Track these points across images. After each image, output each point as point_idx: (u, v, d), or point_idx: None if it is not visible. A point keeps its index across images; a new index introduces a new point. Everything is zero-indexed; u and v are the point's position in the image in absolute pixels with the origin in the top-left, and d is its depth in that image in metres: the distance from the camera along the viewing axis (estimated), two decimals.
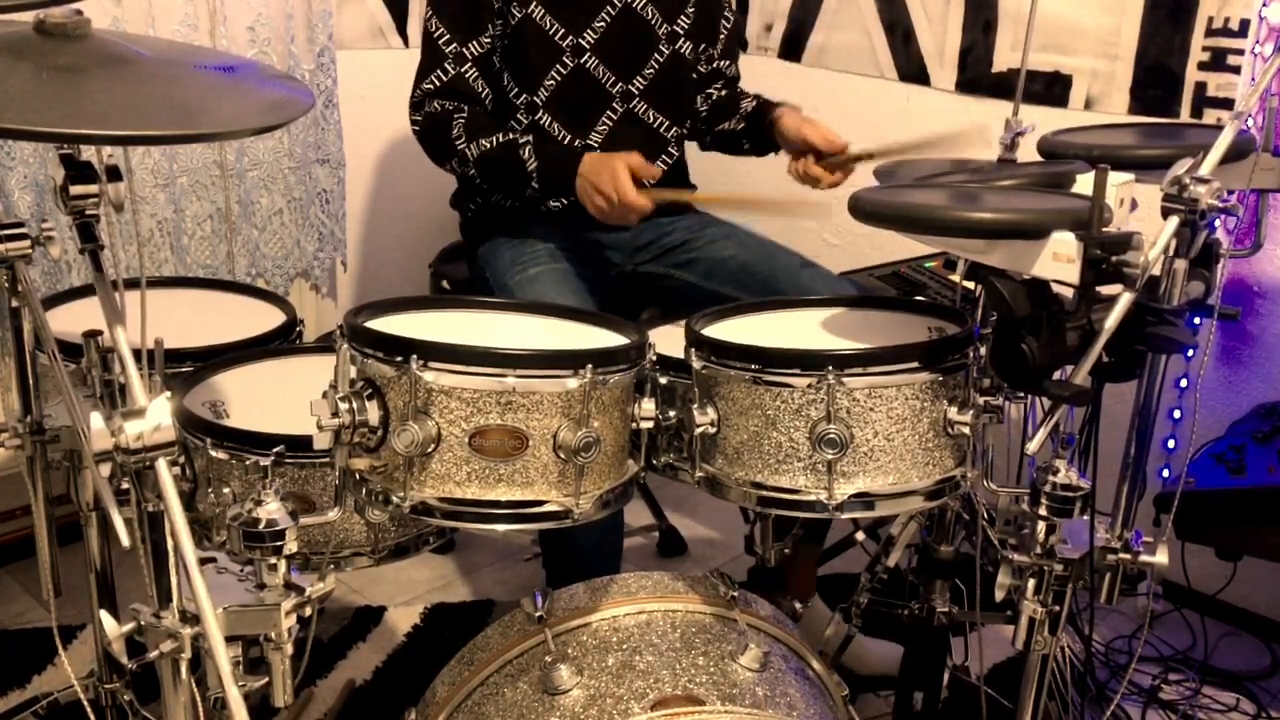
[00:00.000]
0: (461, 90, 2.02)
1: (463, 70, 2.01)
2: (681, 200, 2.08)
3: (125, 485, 1.03)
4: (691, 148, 2.31)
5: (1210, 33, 2.26)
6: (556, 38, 2.04)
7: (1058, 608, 1.36)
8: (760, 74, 2.40)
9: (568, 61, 2.06)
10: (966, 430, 1.34)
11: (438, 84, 2.01)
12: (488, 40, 2.02)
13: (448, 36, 2.01)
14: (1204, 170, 1.21)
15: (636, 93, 2.12)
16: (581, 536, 1.69)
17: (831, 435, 1.28)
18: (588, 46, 2.06)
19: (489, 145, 1.96)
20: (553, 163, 1.94)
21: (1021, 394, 1.37)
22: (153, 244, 2.44)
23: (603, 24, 2.07)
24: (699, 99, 2.25)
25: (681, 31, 2.15)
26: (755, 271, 2.07)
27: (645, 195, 1.84)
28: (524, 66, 2.04)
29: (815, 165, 2.01)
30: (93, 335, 1.22)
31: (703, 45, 2.21)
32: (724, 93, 2.26)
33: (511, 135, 1.97)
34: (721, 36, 2.24)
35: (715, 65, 2.25)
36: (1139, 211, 1.37)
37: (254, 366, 1.61)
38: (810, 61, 2.95)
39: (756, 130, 2.19)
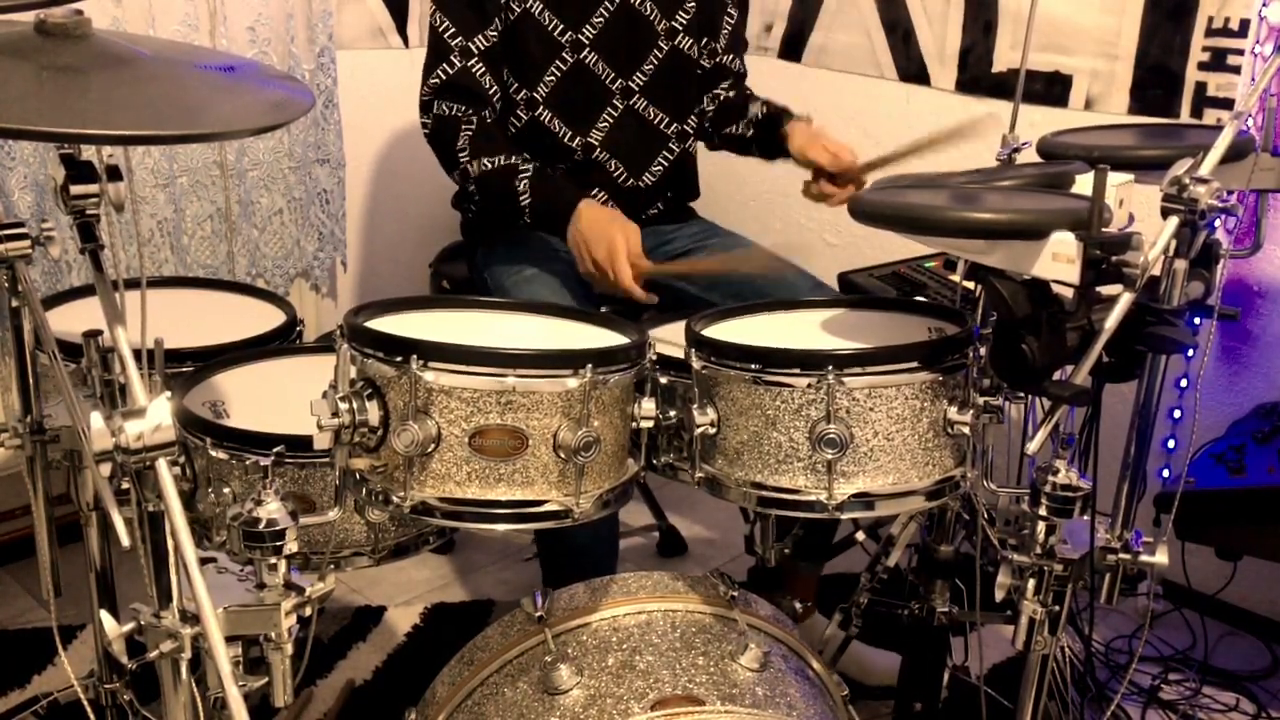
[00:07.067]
0: (468, 86, 1.99)
1: (469, 65, 1.99)
2: (680, 273, 2.05)
3: (125, 485, 1.03)
4: (701, 147, 2.30)
5: (1210, 33, 2.26)
6: (555, 33, 2.04)
7: (1058, 608, 1.35)
8: (760, 74, 2.39)
9: (567, 57, 2.05)
10: (966, 430, 1.34)
11: (444, 78, 1.99)
12: (494, 35, 2.01)
13: (453, 30, 1.99)
14: (1204, 170, 1.21)
15: (636, 89, 2.11)
16: (579, 536, 1.69)
17: (831, 435, 1.28)
18: (587, 42, 2.06)
19: (490, 166, 1.95)
20: (547, 202, 1.93)
21: (1021, 394, 1.37)
22: (153, 244, 2.44)
23: (601, 19, 2.06)
24: (706, 99, 2.24)
25: (680, 27, 2.14)
26: (756, 287, 2.06)
27: (639, 272, 1.82)
28: (524, 63, 2.03)
29: (828, 185, 2.00)
30: (93, 335, 1.22)
31: (705, 40, 2.20)
32: (732, 93, 2.24)
33: (513, 160, 1.94)
34: (725, 32, 2.22)
35: (720, 60, 2.23)
36: (1138, 211, 1.37)
37: (254, 366, 1.61)
38: (810, 62, 2.95)
39: (767, 141, 2.16)
